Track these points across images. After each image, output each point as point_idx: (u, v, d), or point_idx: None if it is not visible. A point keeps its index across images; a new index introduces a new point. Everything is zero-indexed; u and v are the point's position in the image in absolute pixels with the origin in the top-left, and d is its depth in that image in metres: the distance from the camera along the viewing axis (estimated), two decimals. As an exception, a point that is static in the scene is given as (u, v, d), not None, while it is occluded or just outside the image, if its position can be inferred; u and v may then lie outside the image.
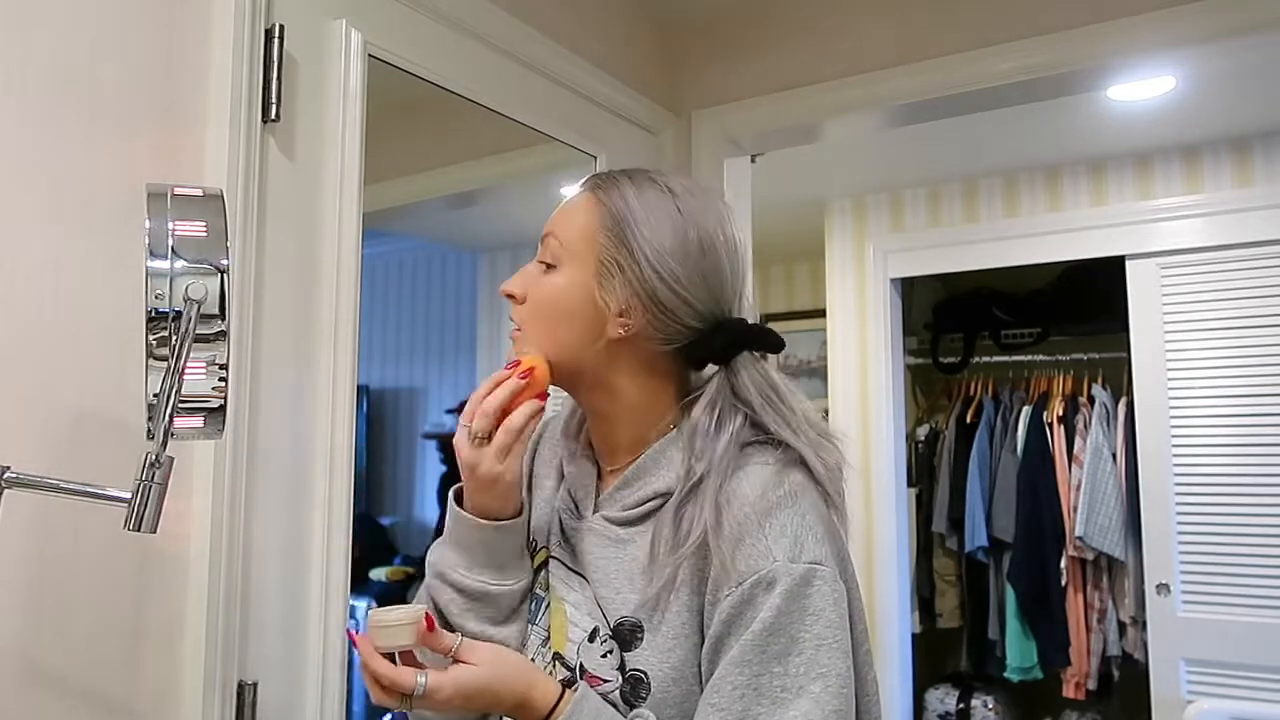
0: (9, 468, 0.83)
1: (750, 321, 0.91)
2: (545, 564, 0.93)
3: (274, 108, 1.18)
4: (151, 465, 0.81)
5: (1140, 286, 2.94)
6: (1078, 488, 3.06)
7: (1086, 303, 3.23)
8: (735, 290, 0.90)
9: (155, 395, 0.78)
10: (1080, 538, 3.01)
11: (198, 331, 0.78)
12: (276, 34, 1.19)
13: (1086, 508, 3.01)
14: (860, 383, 3.38)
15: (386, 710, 1.00)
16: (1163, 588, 2.83)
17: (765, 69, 2.00)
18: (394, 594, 3.21)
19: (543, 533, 0.96)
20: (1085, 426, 3.12)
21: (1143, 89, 2.43)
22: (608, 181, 0.90)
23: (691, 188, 0.91)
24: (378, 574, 3.31)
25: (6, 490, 0.83)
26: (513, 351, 0.90)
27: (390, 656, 0.77)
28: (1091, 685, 3.03)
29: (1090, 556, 3.04)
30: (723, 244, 0.89)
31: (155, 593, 1.06)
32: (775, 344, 0.90)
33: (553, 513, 0.95)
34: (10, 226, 0.96)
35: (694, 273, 0.86)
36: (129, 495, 0.81)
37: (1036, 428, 3.21)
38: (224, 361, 0.81)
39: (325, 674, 1.21)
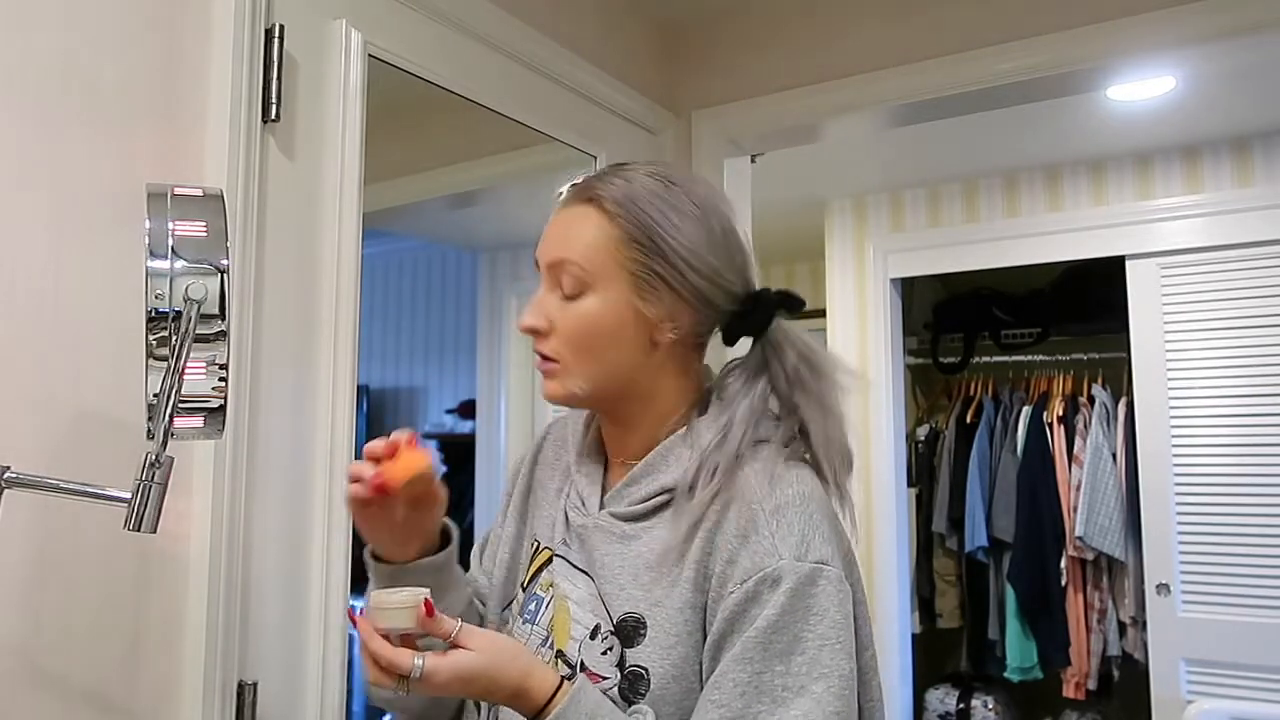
0: (9, 468, 0.83)
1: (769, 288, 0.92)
2: (547, 564, 0.93)
3: (274, 108, 1.18)
4: (151, 465, 0.81)
5: (1140, 286, 2.94)
6: (1078, 488, 3.06)
7: (1086, 303, 3.23)
8: (751, 259, 0.92)
9: (155, 395, 0.78)
10: (1080, 538, 3.01)
11: (198, 331, 0.78)
12: (276, 34, 1.19)
13: (1086, 508, 3.01)
14: (860, 383, 3.37)
15: (386, 710, 1.00)
16: (1163, 588, 2.83)
17: (765, 69, 2.00)
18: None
19: (545, 533, 0.95)
20: (1085, 426, 3.12)
21: (1143, 89, 2.43)
22: (605, 189, 0.87)
23: (685, 174, 0.92)
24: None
25: (6, 490, 0.83)
26: (543, 389, 0.90)
27: (394, 639, 0.77)
28: (1091, 685, 3.03)
29: (1090, 556, 3.04)
30: (732, 219, 0.90)
31: (155, 593, 1.06)
32: (799, 302, 0.92)
33: (557, 512, 0.95)
34: (10, 227, 0.96)
35: (725, 259, 0.88)
36: (129, 495, 0.81)
37: (1036, 428, 3.21)
38: (224, 361, 0.81)
39: (325, 674, 1.21)
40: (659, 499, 0.86)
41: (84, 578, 1.00)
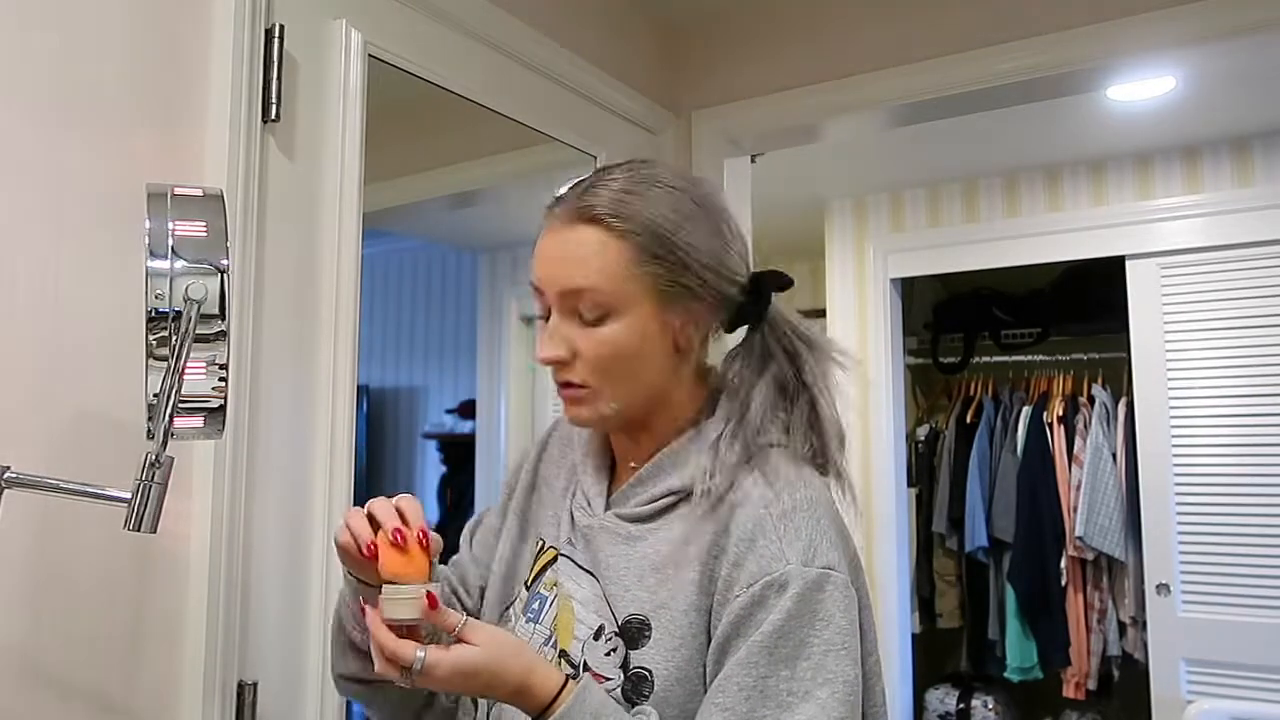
0: (9, 468, 0.83)
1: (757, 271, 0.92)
2: (551, 563, 0.93)
3: (274, 108, 1.18)
4: (151, 465, 0.81)
5: (1140, 286, 2.94)
6: (1078, 488, 3.06)
7: (1086, 303, 3.23)
8: (748, 241, 0.92)
9: (155, 395, 0.78)
10: (1080, 538, 3.01)
11: (198, 331, 0.78)
12: (276, 34, 1.19)
13: (1086, 508, 3.01)
14: (860, 383, 3.38)
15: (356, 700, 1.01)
16: (1163, 588, 2.83)
17: (765, 69, 2.00)
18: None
19: (550, 532, 0.95)
20: (1085, 426, 3.12)
21: (1143, 89, 2.43)
22: (602, 205, 0.84)
23: (667, 167, 0.92)
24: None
25: (6, 490, 0.83)
26: (567, 422, 0.90)
27: (401, 631, 0.77)
28: (1091, 685, 3.03)
29: (1090, 556, 3.04)
30: (721, 201, 0.91)
31: (155, 593, 1.06)
32: (789, 280, 0.92)
33: (563, 511, 0.95)
34: (10, 226, 0.96)
35: (735, 256, 0.88)
36: (129, 495, 0.81)
37: (1036, 428, 3.21)
38: (224, 361, 0.81)
39: (325, 674, 1.21)
40: (666, 501, 0.86)
41: (84, 578, 1.00)
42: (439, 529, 0.88)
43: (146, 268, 0.77)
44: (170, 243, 0.78)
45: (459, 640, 0.77)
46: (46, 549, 0.97)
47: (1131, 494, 2.97)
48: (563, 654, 0.87)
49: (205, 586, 1.09)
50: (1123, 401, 3.08)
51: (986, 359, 3.52)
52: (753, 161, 2.22)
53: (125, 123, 1.06)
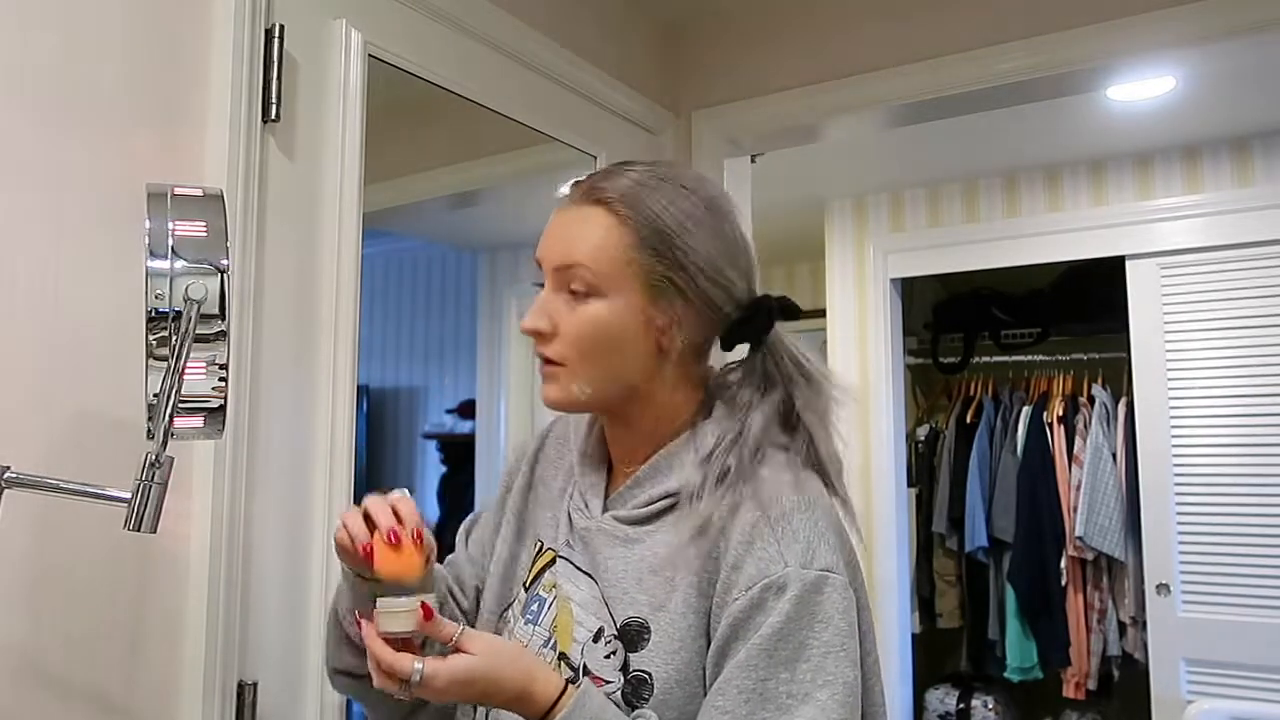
0: (9, 468, 0.83)
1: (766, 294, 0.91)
2: (550, 565, 0.93)
3: (274, 108, 1.18)
4: (151, 465, 0.81)
5: (1140, 287, 2.94)
6: (1078, 488, 3.06)
7: (1086, 303, 3.23)
8: (755, 262, 0.91)
9: (155, 395, 0.78)
10: (1080, 538, 3.01)
11: (198, 331, 0.78)
12: (276, 34, 1.19)
13: (1086, 508, 3.01)
14: (860, 383, 3.38)
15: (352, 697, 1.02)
16: (1163, 588, 2.83)
17: (765, 69, 2.00)
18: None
19: (548, 534, 0.95)
20: (1085, 426, 3.12)
21: (1143, 89, 2.43)
22: (613, 189, 0.85)
23: (691, 172, 0.91)
24: (378, 574, 3.30)
25: (6, 490, 0.83)
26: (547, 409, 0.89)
27: (397, 644, 0.77)
28: (1091, 685, 3.03)
29: (1090, 556, 3.04)
30: (736, 216, 0.90)
31: (155, 593, 1.06)
32: (798, 310, 0.91)
33: (560, 513, 0.95)
34: (10, 226, 0.96)
35: (733, 264, 0.87)
36: (129, 495, 0.81)
37: (1036, 428, 3.21)
38: (224, 361, 0.81)
39: (325, 674, 1.21)
40: (663, 503, 0.86)
41: (84, 577, 1.00)
42: (438, 529, 0.88)
43: (146, 268, 0.77)
44: (170, 243, 0.78)
45: (456, 649, 0.77)
46: (46, 549, 0.97)
47: (1131, 494, 2.97)
48: (562, 656, 0.86)
49: (205, 586, 1.09)
50: (1123, 401, 3.08)
51: (986, 359, 3.52)
52: (753, 161, 2.22)
53: (125, 123, 1.06)
